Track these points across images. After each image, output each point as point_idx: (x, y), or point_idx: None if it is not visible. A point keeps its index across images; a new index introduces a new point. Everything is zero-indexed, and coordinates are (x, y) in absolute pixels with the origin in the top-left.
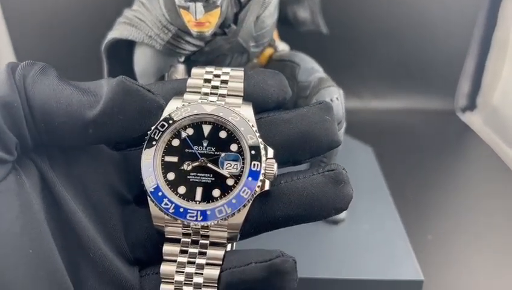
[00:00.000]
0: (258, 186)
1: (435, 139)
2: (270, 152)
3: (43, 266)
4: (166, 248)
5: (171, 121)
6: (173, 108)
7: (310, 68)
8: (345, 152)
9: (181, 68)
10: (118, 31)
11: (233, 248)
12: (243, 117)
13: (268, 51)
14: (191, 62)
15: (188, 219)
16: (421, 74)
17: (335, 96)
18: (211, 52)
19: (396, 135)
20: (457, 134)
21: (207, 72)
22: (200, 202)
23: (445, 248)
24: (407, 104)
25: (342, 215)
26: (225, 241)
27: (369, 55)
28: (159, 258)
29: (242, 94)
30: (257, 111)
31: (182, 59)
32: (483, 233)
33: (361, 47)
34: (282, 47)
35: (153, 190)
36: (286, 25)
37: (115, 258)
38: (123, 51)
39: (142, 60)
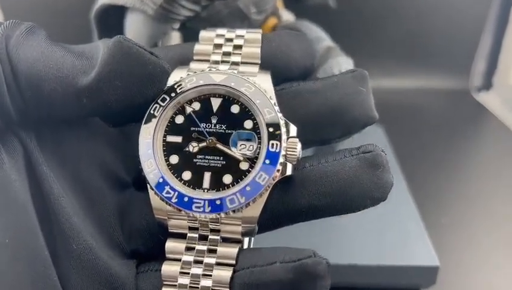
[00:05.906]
0: (278, 171)
1: (449, 120)
2: (293, 130)
3: (23, 257)
4: (170, 245)
5: (173, 94)
6: (176, 79)
7: (318, 37)
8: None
9: (176, 36)
10: None
11: (251, 245)
12: (258, 87)
13: (272, 21)
14: (186, 30)
15: (194, 210)
16: (435, 52)
17: (344, 66)
18: (208, 19)
19: (408, 116)
20: (472, 114)
21: (218, 36)
22: (208, 189)
23: (461, 232)
24: (420, 84)
25: None
26: (239, 237)
27: (380, 31)
28: (160, 251)
29: (258, 61)
30: (279, 81)
31: (177, 26)
32: (501, 216)
33: (372, 23)
34: (287, 17)
35: (152, 176)
36: None
37: (103, 250)
38: (115, 19)
39: (134, 27)
